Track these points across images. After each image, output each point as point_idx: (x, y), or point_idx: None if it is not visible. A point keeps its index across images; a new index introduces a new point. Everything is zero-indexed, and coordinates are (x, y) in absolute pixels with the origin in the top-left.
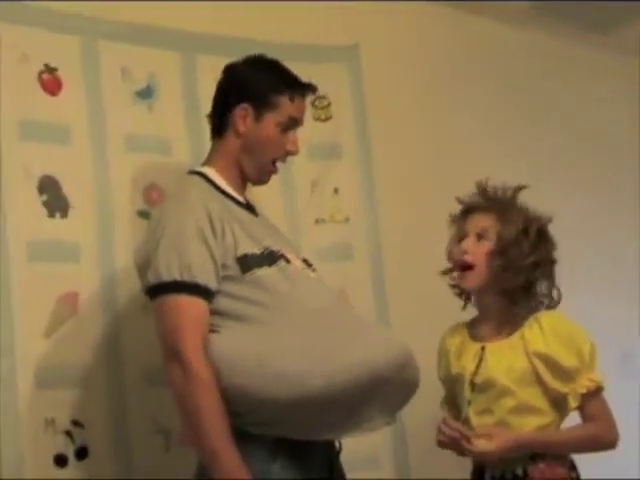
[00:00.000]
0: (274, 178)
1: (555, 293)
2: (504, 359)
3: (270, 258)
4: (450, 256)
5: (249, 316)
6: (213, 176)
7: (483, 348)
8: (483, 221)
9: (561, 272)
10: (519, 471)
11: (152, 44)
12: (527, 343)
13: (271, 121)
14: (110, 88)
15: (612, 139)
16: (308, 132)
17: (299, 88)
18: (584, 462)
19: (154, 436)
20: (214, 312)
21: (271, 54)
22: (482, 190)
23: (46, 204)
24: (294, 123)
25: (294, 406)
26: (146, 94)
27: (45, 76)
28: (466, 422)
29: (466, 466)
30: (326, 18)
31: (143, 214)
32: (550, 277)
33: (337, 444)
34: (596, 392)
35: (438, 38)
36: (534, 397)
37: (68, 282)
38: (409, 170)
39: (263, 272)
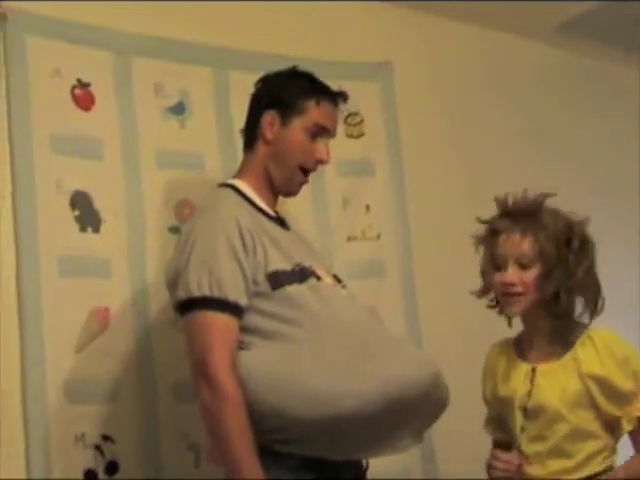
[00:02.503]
0: (306, 194)
1: (600, 302)
2: (556, 382)
3: (301, 275)
4: (489, 283)
5: (279, 333)
6: (244, 189)
7: (534, 370)
8: (520, 245)
9: None
10: None
11: (185, 60)
12: (581, 364)
13: (298, 126)
14: (142, 103)
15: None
16: (340, 148)
17: (326, 93)
18: None
19: (184, 452)
20: (244, 329)
21: (305, 69)
22: (505, 208)
23: (78, 219)
24: (322, 131)
25: (324, 425)
26: (178, 110)
27: (78, 91)
28: (517, 449)
29: None
30: (359, 35)
31: (174, 230)
32: (597, 283)
33: (364, 462)
34: None
35: (471, 56)
36: (588, 421)
37: (99, 297)
38: (441, 187)
39: (293, 289)
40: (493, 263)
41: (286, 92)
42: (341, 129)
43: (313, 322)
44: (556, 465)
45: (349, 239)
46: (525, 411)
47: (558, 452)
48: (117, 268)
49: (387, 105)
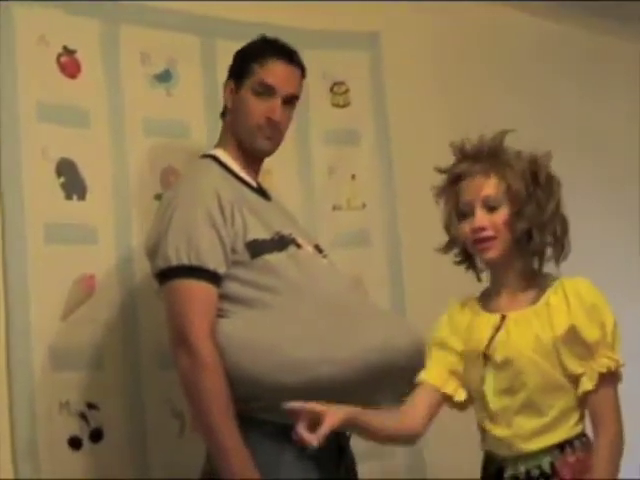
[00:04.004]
0: (291, 163)
1: (567, 241)
2: (530, 329)
3: (280, 243)
4: (456, 235)
5: (258, 301)
6: (225, 159)
7: (504, 318)
8: (484, 187)
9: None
10: (546, 467)
11: (172, 28)
12: (553, 311)
13: (246, 89)
14: (129, 71)
15: None
16: (326, 117)
17: (274, 53)
18: None
19: (169, 419)
20: (223, 297)
21: (290, 40)
22: (463, 152)
23: (64, 186)
24: (269, 89)
25: (302, 392)
26: (165, 78)
27: (64, 59)
28: (482, 405)
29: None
30: (347, 4)
31: (159, 197)
32: (565, 220)
33: (347, 432)
34: (614, 377)
35: (458, 26)
36: (559, 373)
37: (85, 264)
38: (427, 157)
39: (272, 257)
40: (458, 212)
41: (238, 60)
42: (327, 98)
43: (292, 290)
44: (526, 424)
45: (334, 208)
46: (492, 362)
47: (528, 407)
48: (103, 235)
49: (374, 75)
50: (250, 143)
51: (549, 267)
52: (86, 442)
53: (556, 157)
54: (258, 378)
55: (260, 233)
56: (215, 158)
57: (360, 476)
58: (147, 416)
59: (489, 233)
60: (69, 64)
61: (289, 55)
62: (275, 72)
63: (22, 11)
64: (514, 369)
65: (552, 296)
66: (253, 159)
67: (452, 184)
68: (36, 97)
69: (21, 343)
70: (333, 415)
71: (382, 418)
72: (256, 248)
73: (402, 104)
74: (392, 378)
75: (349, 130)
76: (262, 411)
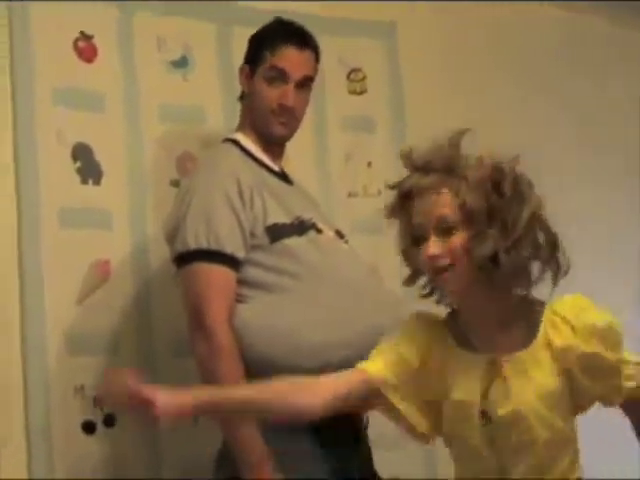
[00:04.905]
0: (308, 149)
1: (561, 257)
2: (532, 377)
3: (300, 228)
4: (412, 263)
5: (277, 286)
6: (245, 142)
7: (494, 363)
8: (436, 207)
9: None
10: None
11: (188, 14)
12: (556, 347)
13: (260, 76)
14: (145, 57)
15: None
16: (343, 104)
17: (286, 38)
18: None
19: None
20: (242, 282)
21: (307, 26)
22: (412, 163)
23: (79, 171)
24: (281, 74)
25: (317, 375)
26: (181, 64)
27: (81, 43)
28: (475, 462)
29: None
30: None
31: (175, 183)
32: (550, 233)
33: (364, 418)
34: None
35: (475, 15)
36: (568, 421)
37: (100, 249)
38: None
39: (292, 241)
40: (412, 237)
41: (252, 46)
42: (344, 85)
43: (311, 274)
44: None
45: (350, 195)
46: (490, 417)
47: (534, 467)
48: (118, 220)
49: (390, 62)
50: (266, 129)
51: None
52: (100, 426)
53: (564, 151)
54: (275, 362)
55: (280, 217)
56: (236, 142)
57: (376, 466)
58: None
59: (444, 262)
60: (86, 49)
61: (301, 38)
62: (287, 57)
63: None
64: (519, 426)
65: (549, 330)
66: (273, 143)
67: (403, 202)
68: (52, 81)
69: (36, 327)
70: (166, 405)
71: (267, 395)
72: (276, 232)
73: (418, 91)
74: None
75: (365, 117)
76: None
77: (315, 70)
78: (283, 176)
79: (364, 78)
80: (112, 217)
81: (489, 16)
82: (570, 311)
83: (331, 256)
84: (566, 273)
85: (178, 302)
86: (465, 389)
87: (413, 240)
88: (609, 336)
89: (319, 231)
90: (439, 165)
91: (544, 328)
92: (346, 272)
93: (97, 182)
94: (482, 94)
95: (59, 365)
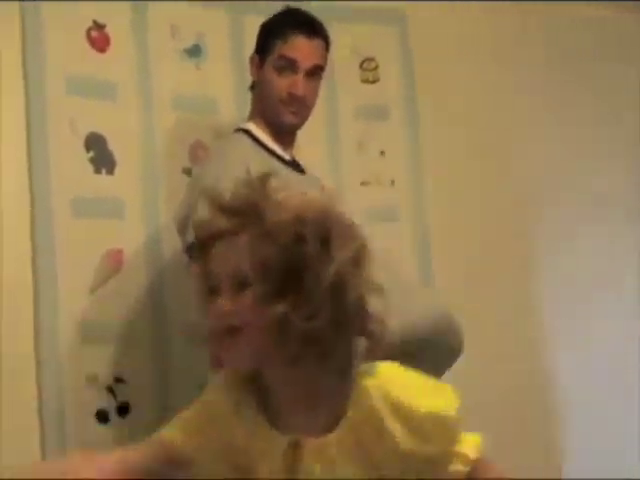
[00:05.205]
0: (321, 137)
1: (375, 327)
2: (337, 470)
3: None
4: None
5: None
6: (256, 132)
7: (296, 446)
8: (228, 255)
9: None
10: None
11: (201, 2)
12: (361, 438)
13: (269, 65)
14: (158, 45)
15: None
16: (355, 93)
17: (295, 27)
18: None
19: (196, 394)
20: None
21: (320, 15)
22: (217, 203)
23: (92, 160)
24: (291, 63)
25: None
26: (194, 52)
27: (94, 33)
28: None
29: None
30: None
31: (188, 171)
32: (360, 300)
33: None
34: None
35: (488, 4)
36: None
37: (113, 238)
38: (455, 134)
39: None
40: (208, 287)
41: (262, 33)
42: (357, 74)
43: None
44: None
45: (363, 183)
46: None
47: None
48: (131, 210)
49: (403, 51)
50: (276, 118)
51: None
52: (113, 416)
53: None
54: None
55: None
56: (247, 132)
57: None
58: (174, 390)
59: (234, 322)
60: (99, 38)
61: (310, 27)
62: (296, 46)
63: None
64: None
65: (354, 412)
66: (284, 132)
67: (203, 244)
68: (65, 70)
69: (49, 316)
70: None
71: None
72: None
73: (431, 80)
74: (426, 355)
75: (378, 106)
76: None
77: (325, 59)
78: (294, 165)
79: (377, 67)
80: (125, 206)
81: (499, 3)
82: (377, 385)
83: None
84: (379, 344)
85: (191, 291)
86: (269, 472)
87: (209, 290)
88: (426, 423)
89: None
90: (242, 207)
91: (351, 411)
92: None
93: (110, 172)
94: (497, 81)
95: (72, 353)
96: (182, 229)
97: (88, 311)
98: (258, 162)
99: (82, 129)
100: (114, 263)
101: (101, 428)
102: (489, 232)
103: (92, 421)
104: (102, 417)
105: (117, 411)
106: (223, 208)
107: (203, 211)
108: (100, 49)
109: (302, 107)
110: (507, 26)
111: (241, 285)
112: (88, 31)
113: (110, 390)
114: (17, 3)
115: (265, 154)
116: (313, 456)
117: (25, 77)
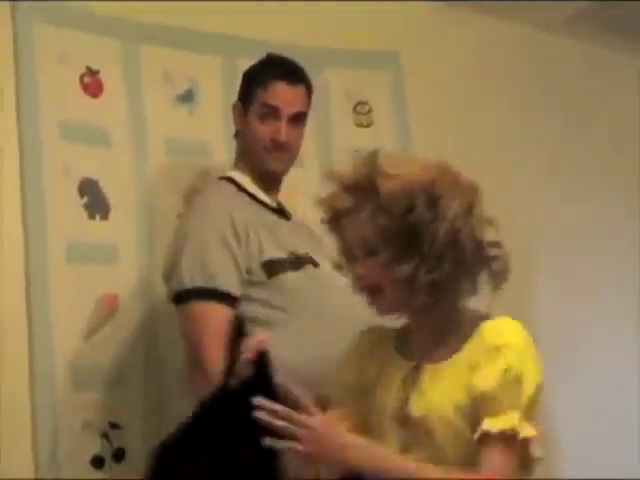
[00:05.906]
0: (316, 182)
1: (497, 264)
2: (443, 388)
3: (296, 262)
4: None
5: (273, 321)
6: (241, 180)
7: (417, 368)
8: (359, 228)
9: None
10: None
11: (193, 48)
12: (470, 367)
13: (252, 113)
14: (151, 91)
15: None
16: (350, 138)
17: (276, 75)
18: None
19: None
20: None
21: (311, 59)
22: (340, 181)
23: (86, 206)
24: (273, 111)
25: None
26: (187, 98)
27: (87, 78)
28: None
29: None
30: (367, 24)
31: None
32: (477, 243)
33: None
34: (508, 441)
35: (479, 44)
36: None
37: (107, 284)
38: None
39: (288, 277)
40: (346, 254)
41: (244, 82)
42: (350, 118)
43: (307, 309)
44: None
45: None
46: (401, 420)
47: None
48: (125, 255)
49: (396, 94)
50: (260, 165)
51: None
52: (108, 461)
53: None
54: None
55: (276, 252)
56: (231, 180)
57: None
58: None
59: (370, 282)
60: (92, 84)
61: (292, 74)
62: (278, 94)
63: (44, 30)
64: (424, 427)
65: (469, 349)
66: (269, 178)
67: (334, 220)
68: (58, 116)
69: (44, 362)
70: None
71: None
72: (272, 268)
73: (425, 123)
74: None
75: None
76: None
77: (308, 105)
78: (280, 211)
79: (370, 111)
80: (119, 251)
81: (492, 41)
82: (492, 337)
83: (327, 290)
84: (504, 279)
85: (183, 336)
86: (385, 390)
87: (348, 258)
88: (511, 379)
89: (316, 265)
90: (358, 184)
91: (467, 345)
92: (342, 307)
93: (104, 217)
94: (492, 121)
95: (67, 399)
96: (168, 278)
97: (83, 356)
98: (242, 209)
99: (76, 175)
100: (109, 308)
101: (96, 473)
102: None
103: (87, 467)
104: (98, 463)
105: (113, 457)
106: (347, 186)
107: (187, 260)
108: (93, 95)
109: (286, 154)
110: (502, 69)
111: (371, 252)
112: (81, 77)
113: (105, 436)
114: (11, 48)
115: (249, 201)
116: (431, 377)
117: (19, 123)
